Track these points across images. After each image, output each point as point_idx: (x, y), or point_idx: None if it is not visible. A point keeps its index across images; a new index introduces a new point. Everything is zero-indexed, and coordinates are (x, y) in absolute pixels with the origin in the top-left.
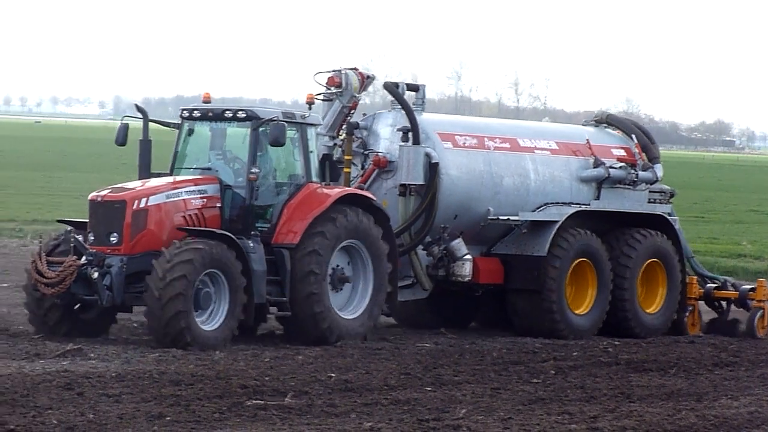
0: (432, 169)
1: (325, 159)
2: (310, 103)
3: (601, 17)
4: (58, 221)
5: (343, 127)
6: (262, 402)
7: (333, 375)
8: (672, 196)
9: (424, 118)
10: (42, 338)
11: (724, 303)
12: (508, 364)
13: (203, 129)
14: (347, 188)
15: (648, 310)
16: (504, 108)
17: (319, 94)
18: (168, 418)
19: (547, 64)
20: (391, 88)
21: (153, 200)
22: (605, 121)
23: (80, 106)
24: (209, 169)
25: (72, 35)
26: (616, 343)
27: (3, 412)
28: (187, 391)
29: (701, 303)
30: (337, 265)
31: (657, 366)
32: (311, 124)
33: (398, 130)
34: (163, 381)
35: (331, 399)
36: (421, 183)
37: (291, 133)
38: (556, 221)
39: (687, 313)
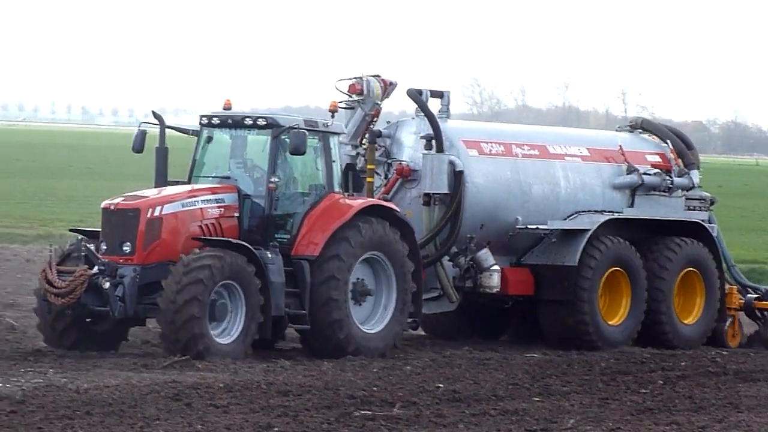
0: (456, 177)
1: (348, 169)
2: (332, 111)
3: (710, 27)
4: (71, 230)
5: (366, 135)
6: (371, 412)
7: (441, 385)
8: (712, 203)
9: (448, 126)
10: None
11: (766, 314)
12: (616, 374)
13: (222, 136)
14: (370, 199)
15: (685, 321)
16: (612, 118)
17: (341, 101)
18: (276, 429)
19: (655, 73)
20: (414, 95)
21: (168, 209)
22: (640, 126)
23: (187, 116)
24: (228, 177)
25: (178, 47)
26: (725, 353)
27: (111, 423)
28: (295, 401)
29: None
30: (360, 278)
31: (765, 376)
32: (334, 133)
33: (422, 137)
34: (271, 391)
35: (440, 409)
36: (446, 192)
37: (313, 141)
38: (588, 230)
39: (727, 324)
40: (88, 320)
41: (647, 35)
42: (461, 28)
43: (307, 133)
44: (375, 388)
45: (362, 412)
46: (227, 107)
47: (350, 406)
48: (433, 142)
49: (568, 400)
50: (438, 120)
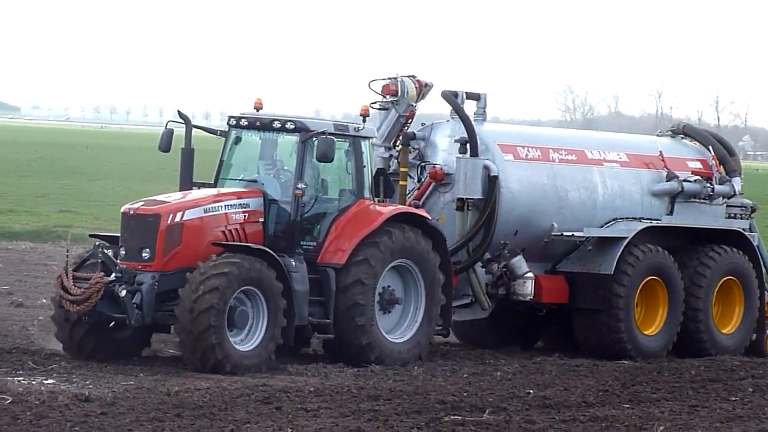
0: (491, 182)
1: (380, 174)
2: (364, 115)
3: None
4: (91, 236)
5: (400, 137)
6: (460, 418)
7: (531, 391)
8: (753, 210)
9: (484, 129)
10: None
11: None
12: (706, 381)
13: (251, 138)
14: (401, 206)
15: (723, 330)
16: (704, 126)
17: (375, 102)
18: None
19: (749, 81)
20: (449, 97)
21: (189, 214)
22: (682, 131)
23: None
24: (255, 181)
25: (264, 57)
26: None
27: (201, 425)
28: (385, 406)
29: None
30: (388, 286)
31: None
32: (365, 137)
33: (456, 141)
34: (361, 396)
35: (529, 415)
36: (479, 197)
37: (343, 146)
38: (624, 237)
39: (766, 334)
40: (106, 328)
41: (741, 43)
42: (556, 34)
43: (335, 139)
44: (465, 394)
45: (452, 417)
46: (258, 107)
47: (440, 411)
48: (468, 145)
49: (658, 407)
50: (473, 123)
